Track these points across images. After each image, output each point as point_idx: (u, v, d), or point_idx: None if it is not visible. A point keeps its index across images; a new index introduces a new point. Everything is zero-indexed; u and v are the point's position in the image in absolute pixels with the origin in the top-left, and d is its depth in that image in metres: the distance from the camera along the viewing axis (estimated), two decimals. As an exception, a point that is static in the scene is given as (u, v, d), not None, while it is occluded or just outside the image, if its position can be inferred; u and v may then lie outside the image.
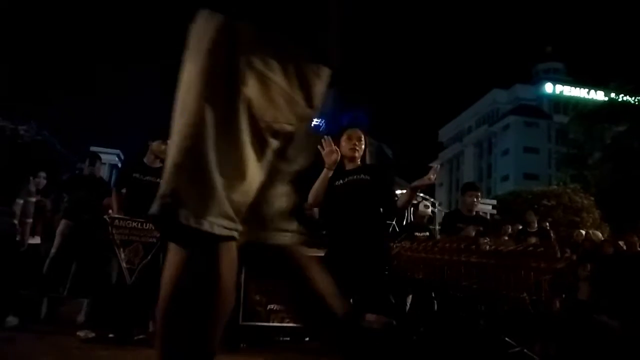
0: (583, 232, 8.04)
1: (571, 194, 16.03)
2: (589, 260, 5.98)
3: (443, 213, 12.49)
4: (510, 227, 7.50)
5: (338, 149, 3.20)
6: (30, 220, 4.67)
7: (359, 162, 3.35)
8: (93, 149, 8.12)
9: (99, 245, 4.41)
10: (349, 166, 3.29)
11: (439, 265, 4.21)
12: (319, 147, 3.03)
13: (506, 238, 5.85)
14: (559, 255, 4.04)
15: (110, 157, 9.44)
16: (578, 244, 7.42)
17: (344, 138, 3.28)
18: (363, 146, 3.32)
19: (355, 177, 3.20)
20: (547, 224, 7.97)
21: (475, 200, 5.11)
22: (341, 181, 3.20)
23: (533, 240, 6.32)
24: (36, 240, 5.43)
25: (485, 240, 4.78)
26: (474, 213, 5.24)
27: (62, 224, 5.17)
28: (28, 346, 3.57)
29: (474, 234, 4.54)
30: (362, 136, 3.33)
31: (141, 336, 4.06)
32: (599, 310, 5.35)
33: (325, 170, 3.10)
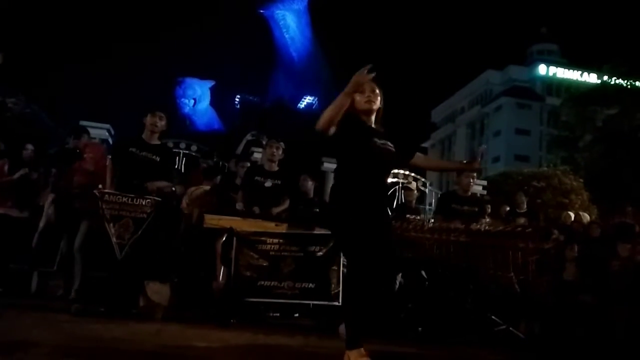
0: (571, 213, 8.09)
1: (561, 176, 16.11)
2: (576, 241, 6.06)
3: (434, 193, 12.56)
4: (489, 206, 7.55)
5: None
6: None
7: (378, 120, 2.97)
8: (83, 123, 8.02)
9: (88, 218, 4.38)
10: (369, 122, 2.91)
11: (429, 244, 4.24)
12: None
13: (487, 219, 5.85)
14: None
15: (100, 131, 9.34)
16: (566, 226, 7.50)
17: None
18: (379, 99, 2.90)
19: (384, 143, 2.86)
20: (508, 207, 7.88)
21: (471, 180, 5.17)
22: (375, 141, 2.82)
23: (522, 221, 6.38)
24: (24, 214, 5.40)
25: (485, 221, 4.84)
26: (469, 193, 5.29)
27: (50, 197, 5.14)
28: (18, 320, 3.58)
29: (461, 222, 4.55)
30: (376, 88, 2.89)
31: (133, 310, 4.08)
32: (584, 291, 5.45)
33: (346, 95, 2.66)
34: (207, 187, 5.57)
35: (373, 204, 2.76)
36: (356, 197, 2.71)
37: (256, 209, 4.71)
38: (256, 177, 4.95)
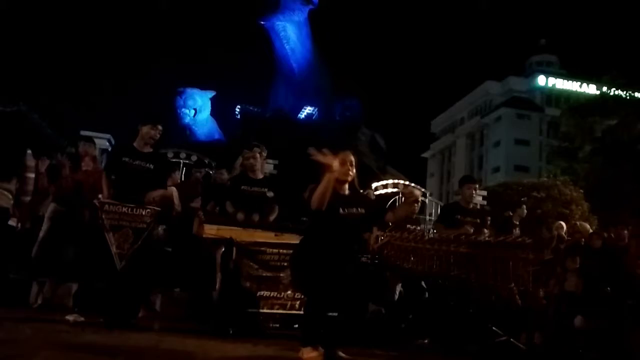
0: (563, 223, 7.83)
1: (561, 187, 16.16)
2: (577, 252, 6.03)
3: (434, 204, 12.57)
4: (489, 218, 7.53)
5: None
6: (28, 199, 4.48)
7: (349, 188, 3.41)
8: (83, 133, 8.05)
9: (88, 229, 4.37)
10: (341, 190, 3.33)
11: (429, 255, 4.24)
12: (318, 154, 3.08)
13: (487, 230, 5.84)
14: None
15: (100, 141, 9.36)
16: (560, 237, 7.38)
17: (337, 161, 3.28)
18: (354, 171, 3.36)
19: (355, 209, 3.30)
20: (511, 213, 7.83)
21: (474, 192, 5.23)
22: (342, 210, 3.26)
23: (516, 231, 6.38)
24: (26, 224, 5.36)
25: (486, 233, 4.85)
26: (472, 205, 5.33)
27: (51, 207, 5.12)
28: (17, 330, 3.56)
29: (472, 230, 4.63)
30: (354, 160, 3.37)
31: (132, 321, 4.06)
32: (586, 302, 5.42)
33: (330, 177, 3.11)
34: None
35: (335, 263, 3.17)
36: (321, 256, 3.15)
37: (255, 216, 4.67)
38: (242, 186, 4.85)
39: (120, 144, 4.70)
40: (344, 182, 3.33)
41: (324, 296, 3.11)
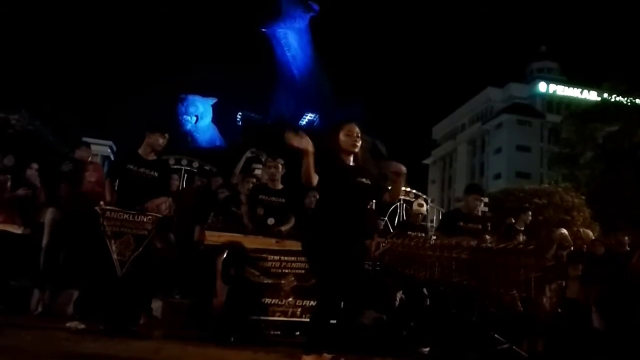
0: (564, 230, 7.76)
1: (562, 193, 16.11)
2: (579, 259, 6.01)
3: (435, 210, 12.53)
4: (489, 224, 7.47)
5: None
6: None
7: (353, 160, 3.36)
8: (85, 139, 8.05)
9: (89, 235, 4.37)
10: (348, 160, 3.30)
11: (431, 262, 4.22)
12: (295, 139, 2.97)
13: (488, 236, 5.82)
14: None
15: (102, 148, 9.39)
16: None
17: (343, 132, 3.28)
18: (360, 142, 3.33)
19: (363, 179, 3.25)
20: (513, 220, 7.75)
21: (478, 203, 5.19)
22: (356, 179, 3.22)
23: (520, 237, 6.35)
24: (26, 231, 5.35)
25: (488, 238, 4.83)
26: (474, 211, 5.30)
27: (50, 213, 5.10)
28: (18, 337, 3.55)
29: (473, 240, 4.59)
30: (359, 131, 3.35)
31: (133, 328, 4.05)
32: (588, 309, 5.40)
33: (309, 159, 3.01)
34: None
35: (350, 235, 3.12)
36: (336, 229, 3.07)
37: (271, 220, 4.72)
38: (260, 196, 4.91)
39: (125, 151, 4.70)
40: (351, 153, 3.29)
41: (336, 276, 3.00)
